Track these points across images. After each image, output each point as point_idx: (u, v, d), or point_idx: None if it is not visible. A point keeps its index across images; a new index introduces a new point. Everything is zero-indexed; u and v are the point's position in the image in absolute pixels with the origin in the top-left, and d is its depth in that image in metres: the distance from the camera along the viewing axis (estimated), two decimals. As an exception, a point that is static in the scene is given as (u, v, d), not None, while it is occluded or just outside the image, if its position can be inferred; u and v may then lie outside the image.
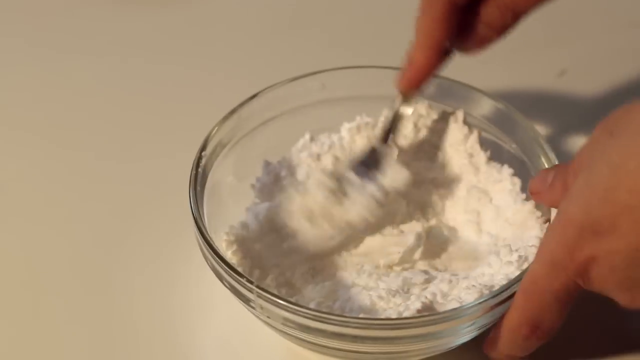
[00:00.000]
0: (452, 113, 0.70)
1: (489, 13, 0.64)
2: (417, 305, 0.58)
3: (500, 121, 0.70)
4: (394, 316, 0.59)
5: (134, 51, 0.94)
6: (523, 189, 0.67)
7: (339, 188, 0.65)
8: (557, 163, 0.64)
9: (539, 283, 0.55)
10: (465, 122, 0.70)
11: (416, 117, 0.71)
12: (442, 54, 0.65)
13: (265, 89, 0.71)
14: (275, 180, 0.70)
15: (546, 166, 0.65)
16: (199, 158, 0.66)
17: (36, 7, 0.99)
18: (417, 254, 0.66)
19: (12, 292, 0.70)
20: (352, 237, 0.66)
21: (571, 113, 0.83)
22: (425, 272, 0.63)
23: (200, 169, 0.65)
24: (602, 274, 0.52)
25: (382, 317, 0.59)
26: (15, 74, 0.91)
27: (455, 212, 0.70)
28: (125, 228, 0.74)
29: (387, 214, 0.67)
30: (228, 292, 0.60)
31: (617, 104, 0.54)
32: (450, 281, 0.61)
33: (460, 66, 0.69)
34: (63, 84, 0.90)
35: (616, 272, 0.52)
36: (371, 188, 0.65)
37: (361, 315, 0.59)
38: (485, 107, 0.71)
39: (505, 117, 0.69)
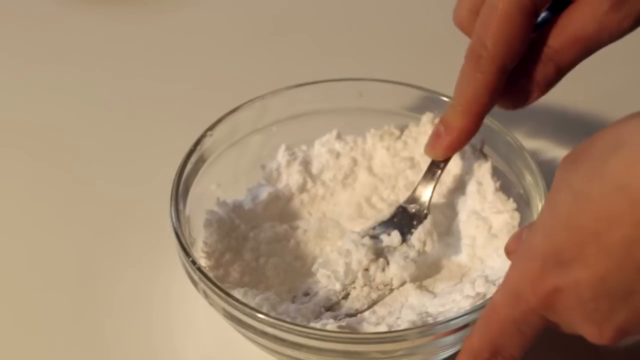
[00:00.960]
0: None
1: (531, 68, 0.61)
2: (340, 323, 0.62)
3: (514, 162, 0.72)
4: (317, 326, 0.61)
5: (120, 60, 0.94)
6: (520, 224, 0.69)
7: (376, 251, 0.68)
8: None
9: (500, 311, 0.53)
10: (482, 151, 0.73)
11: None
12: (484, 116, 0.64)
13: (250, 100, 0.73)
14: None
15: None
16: (182, 168, 0.68)
17: (20, 14, 1.00)
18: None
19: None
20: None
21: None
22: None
23: (182, 179, 0.67)
24: (568, 306, 0.50)
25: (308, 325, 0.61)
26: (3, 78, 0.92)
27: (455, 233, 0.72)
28: (108, 239, 0.75)
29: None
30: (211, 307, 0.63)
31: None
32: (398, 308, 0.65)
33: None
34: (46, 90, 0.90)
35: (582, 303, 0.49)
36: (406, 251, 0.68)
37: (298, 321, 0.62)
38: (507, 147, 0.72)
39: (517, 158, 0.71)
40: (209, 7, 1.01)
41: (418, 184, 0.70)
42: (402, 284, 0.68)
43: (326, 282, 0.67)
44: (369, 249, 0.67)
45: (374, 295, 0.67)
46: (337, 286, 0.66)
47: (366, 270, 0.67)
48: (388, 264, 0.67)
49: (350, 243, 0.67)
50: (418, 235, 0.69)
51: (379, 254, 0.68)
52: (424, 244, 0.69)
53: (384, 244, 0.69)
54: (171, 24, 0.99)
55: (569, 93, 0.78)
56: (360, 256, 0.67)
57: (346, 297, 0.67)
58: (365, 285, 0.67)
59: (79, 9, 1.00)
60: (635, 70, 0.92)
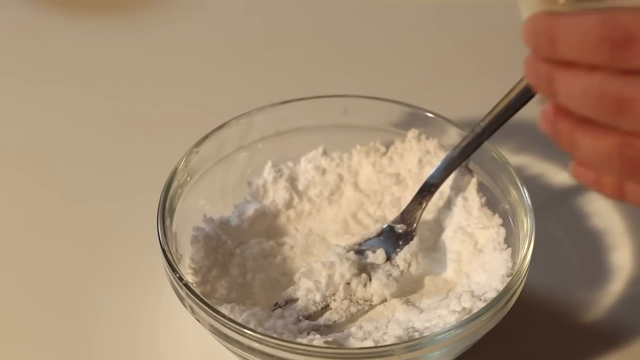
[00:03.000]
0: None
1: None
2: (326, 339, 0.62)
3: (499, 177, 0.72)
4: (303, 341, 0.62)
5: (107, 77, 0.94)
6: (506, 239, 0.69)
7: (360, 266, 0.68)
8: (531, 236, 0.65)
9: None
10: (467, 166, 0.73)
11: (423, 153, 0.74)
12: None
13: (236, 117, 0.74)
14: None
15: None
16: (169, 185, 0.69)
17: (9, 27, 1.01)
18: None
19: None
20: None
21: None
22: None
23: (169, 196, 0.68)
24: None
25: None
26: None
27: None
28: (95, 255, 0.75)
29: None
30: (198, 322, 0.63)
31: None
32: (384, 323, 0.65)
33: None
34: (31, 107, 0.91)
35: None
36: (390, 269, 0.68)
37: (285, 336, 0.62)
38: (492, 163, 0.72)
39: (503, 174, 0.71)
40: (195, 25, 1.01)
41: (407, 205, 0.71)
42: (382, 301, 0.68)
43: (307, 291, 0.67)
44: (353, 263, 0.67)
45: (353, 309, 0.67)
46: (318, 297, 0.67)
47: (348, 284, 0.67)
48: (370, 280, 0.68)
49: (335, 256, 0.67)
50: (404, 255, 0.69)
51: (362, 269, 0.68)
52: (409, 264, 0.69)
53: (368, 260, 0.69)
54: (157, 42, 0.99)
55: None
56: (343, 270, 0.67)
57: (325, 308, 0.67)
58: (346, 298, 0.67)
59: (66, 24, 1.01)
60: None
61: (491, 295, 0.64)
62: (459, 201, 0.73)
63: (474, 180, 0.72)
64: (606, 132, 0.46)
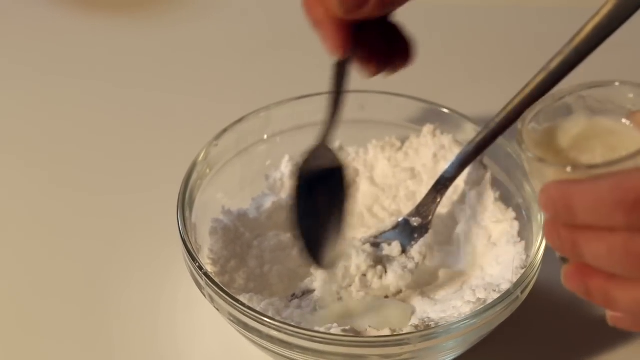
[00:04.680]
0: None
1: None
2: (344, 327, 0.63)
3: (513, 172, 0.73)
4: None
5: (130, 71, 0.96)
6: (520, 233, 0.70)
7: (376, 258, 0.69)
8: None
9: None
10: (482, 162, 0.74)
11: (438, 148, 0.75)
12: None
13: (255, 111, 0.75)
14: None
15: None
16: (189, 177, 0.70)
17: (22, 23, 1.02)
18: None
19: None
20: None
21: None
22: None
23: (189, 188, 0.69)
24: None
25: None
26: (4, 87, 0.93)
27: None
28: (116, 245, 0.76)
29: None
30: (216, 311, 0.64)
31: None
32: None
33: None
34: (51, 100, 0.92)
35: None
36: (405, 261, 0.69)
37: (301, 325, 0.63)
38: (506, 159, 0.73)
39: (517, 169, 0.72)
40: (215, 22, 1.02)
41: (422, 199, 0.71)
42: (398, 292, 0.69)
43: (323, 282, 0.68)
44: (369, 255, 0.68)
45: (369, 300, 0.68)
46: (334, 287, 0.68)
47: (364, 275, 0.68)
48: (386, 272, 0.69)
49: (352, 248, 0.68)
50: (419, 248, 0.70)
51: (378, 261, 0.69)
52: (424, 257, 0.70)
53: (384, 253, 0.70)
54: (178, 37, 1.00)
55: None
56: (359, 261, 0.68)
57: (341, 299, 0.68)
58: (361, 290, 0.68)
59: (82, 20, 1.02)
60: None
61: (505, 286, 0.65)
62: (473, 195, 0.74)
63: (488, 175, 0.73)
64: None
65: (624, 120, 0.50)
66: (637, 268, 0.46)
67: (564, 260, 0.51)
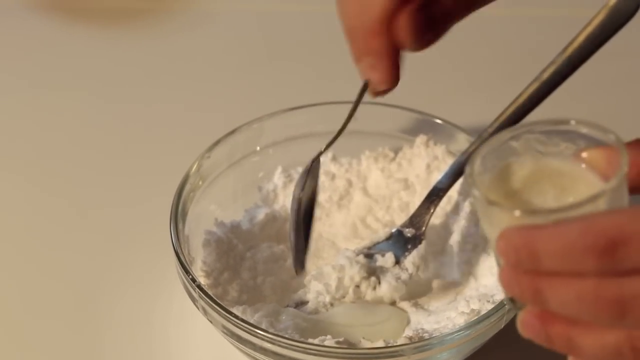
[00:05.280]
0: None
1: None
2: (337, 339, 0.63)
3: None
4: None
5: (120, 84, 0.95)
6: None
7: (369, 269, 0.68)
8: None
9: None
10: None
11: (431, 158, 0.75)
12: None
13: (247, 122, 0.75)
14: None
15: None
16: (181, 188, 0.70)
17: (15, 35, 1.01)
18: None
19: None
20: None
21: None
22: None
23: (182, 200, 0.69)
24: None
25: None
26: None
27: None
28: (109, 258, 0.76)
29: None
30: (209, 324, 0.64)
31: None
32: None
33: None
34: (41, 114, 0.91)
35: None
36: (399, 272, 0.69)
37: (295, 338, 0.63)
38: None
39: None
40: (206, 34, 1.02)
41: (416, 210, 0.71)
42: (391, 303, 0.69)
43: (317, 294, 0.68)
44: (362, 266, 0.68)
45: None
46: (327, 299, 0.68)
47: (357, 286, 0.68)
48: (379, 283, 0.68)
49: (345, 259, 0.68)
50: (412, 259, 0.70)
51: (372, 272, 0.69)
52: (417, 268, 0.70)
53: (377, 264, 0.70)
54: (170, 48, 1.00)
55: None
56: (353, 272, 0.68)
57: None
58: (354, 301, 0.68)
59: (71, 31, 1.02)
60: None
61: (499, 297, 0.65)
62: (466, 206, 0.74)
63: (481, 186, 0.73)
64: (608, 328, 0.45)
65: (572, 160, 0.50)
66: (607, 314, 0.44)
67: (514, 303, 0.49)
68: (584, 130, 0.49)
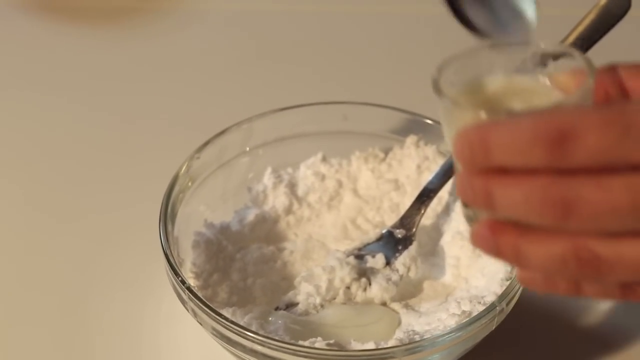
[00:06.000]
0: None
1: None
2: (328, 341, 0.62)
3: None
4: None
5: (109, 84, 0.94)
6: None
7: (359, 271, 0.68)
8: None
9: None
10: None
11: (421, 159, 0.75)
12: None
13: (237, 123, 0.75)
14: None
15: None
16: (170, 190, 0.69)
17: (5, 36, 1.00)
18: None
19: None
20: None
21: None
22: None
23: (171, 201, 0.69)
24: None
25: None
26: None
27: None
28: (98, 260, 0.76)
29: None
30: (199, 326, 0.63)
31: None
32: None
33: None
34: (25, 115, 0.90)
35: None
36: (389, 273, 0.69)
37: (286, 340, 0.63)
38: None
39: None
40: (195, 34, 1.02)
41: (406, 211, 0.71)
42: (382, 305, 0.68)
43: (307, 295, 0.67)
44: (353, 268, 0.68)
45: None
46: (317, 300, 0.67)
47: (348, 288, 0.68)
48: (370, 284, 0.68)
49: (335, 260, 0.68)
50: (403, 260, 0.70)
51: (362, 274, 0.69)
52: (408, 269, 0.70)
53: (368, 265, 0.69)
54: (159, 49, 1.00)
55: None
56: (343, 274, 0.68)
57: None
58: (345, 302, 0.68)
59: (61, 31, 1.01)
60: None
61: (490, 298, 0.65)
62: (457, 207, 0.73)
63: (472, 186, 0.73)
64: (554, 237, 0.44)
65: (543, 81, 0.49)
66: (552, 215, 0.43)
67: (469, 217, 0.49)
68: (556, 52, 0.49)
